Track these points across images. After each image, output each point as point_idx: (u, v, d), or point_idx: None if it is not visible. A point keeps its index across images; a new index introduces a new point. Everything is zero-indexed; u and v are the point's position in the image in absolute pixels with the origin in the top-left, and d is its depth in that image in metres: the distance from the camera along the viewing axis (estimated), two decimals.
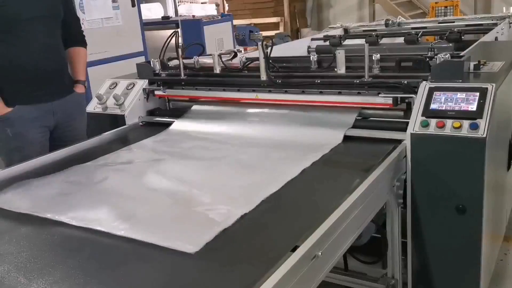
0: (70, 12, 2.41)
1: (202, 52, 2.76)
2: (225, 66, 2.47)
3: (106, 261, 1.22)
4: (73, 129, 2.38)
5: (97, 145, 2.22)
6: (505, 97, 2.02)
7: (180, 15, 7.97)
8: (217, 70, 2.46)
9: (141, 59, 4.54)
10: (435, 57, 1.90)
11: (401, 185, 1.77)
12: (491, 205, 1.86)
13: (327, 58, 2.24)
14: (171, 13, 11.84)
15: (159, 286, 1.10)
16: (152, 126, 2.44)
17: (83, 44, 2.52)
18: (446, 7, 6.70)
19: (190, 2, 13.82)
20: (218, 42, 5.22)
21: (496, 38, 3.46)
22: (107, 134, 2.32)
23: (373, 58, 2.03)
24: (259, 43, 2.19)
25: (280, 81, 2.18)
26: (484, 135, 1.66)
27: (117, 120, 2.47)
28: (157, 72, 2.61)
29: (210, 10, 12.65)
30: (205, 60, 2.66)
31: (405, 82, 1.90)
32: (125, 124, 2.45)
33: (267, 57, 2.19)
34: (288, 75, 2.21)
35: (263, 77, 2.22)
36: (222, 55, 2.55)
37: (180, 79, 2.50)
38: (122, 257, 1.23)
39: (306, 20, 9.56)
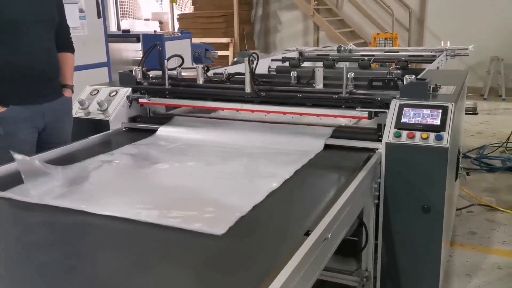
0: (63, 18, 2.49)
1: (182, 64, 2.90)
2: (209, 78, 2.64)
3: (139, 245, 1.34)
4: (60, 131, 2.43)
5: (87, 147, 2.29)
6: (457, 115, 2.35)
7: (123, 30, 7.82)
8: (200, 81, 2.63)
9: (104, 70, 4.59)
10: (404, 78, 2.20)
11: (377, 188, 2.02)
12: (447, 208, 2.16)
13: (305, 75, 2.49)
14: (113, 27, 11.76)
15: (197, 264, 1.24)
16: (135, 132, 2.54)
17: (72, 50, 2.59)
18: (386, 38, 7.33)
19: (133, 18, 13.80)
20: (178, 58, 5.35)
21: (437, 68, 3.89)
22: (95, 137, 2.39)
23: (348, 76, 2.29)
24: (245, 58, 2.39)
25: (263, 94, 2.38)
26: (447, 145, 1.95)
27: (101, 125, 2.55)
28: (139, 80, 2.73)
29: (154, 26, 12.71)
30: (185, 74, 2.82)
31: (379, 98, 2.18)
32: (109, 129, 2.54)
33: (252, 71, 2.39)
34: (271, 89, 2.42)
35: (248, 89, 2.41)
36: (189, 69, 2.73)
37: (164, 89, 2.63)
38: (153, 242, 1.36)
39: (254, 43, 9.91)
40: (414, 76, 2.23)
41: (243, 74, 2.42)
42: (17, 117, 2.23)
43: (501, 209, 3.60)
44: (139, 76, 2.74)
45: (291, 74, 2.49)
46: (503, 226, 3.36)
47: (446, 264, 2.53)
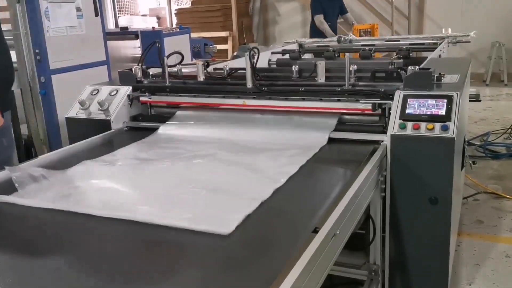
0: None
1: (182, 61, 2.87)
2: (209, 74, 2.61)
3: (146, 245, 1.33)
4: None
5: (88, 147, 2.27)
6: (462, 104, 2.32)
7: (121, 27, 7.76)
8: (201, 78, 2.60)
9: (104, 68, 4.54)
10: (408, 68, 2.16)
11: (384, 181, 2.00)
12: (454, 198, 2.14)
13: (306, 69, 2.46)
14: (111, 25, 11.70)
15: (205, 263, 1.23)
16: (137, 131, 2.52)
17: None
18: (365, 29, 7.24)
19: (130, 14, 13.74)
20: (178, 55, 5.31)
21: (440, 56, 3.85)
22: (97, 138, 2.38)
23: (351, 69, 2.26)
24: (246, 53, 2.37)
25: (265, 88, 2.36)
26: (454, 135, 1.93)
27: (103, 125, 2.53)
28: (139, 79, 2.70)
29: (152, 22, 12.65)
30: (185, 70, 2.80)
31: (382, 90, 2.15)
32: (110, 129, 2.51)
33: (253, 66, 2.36)
34: (272, 83, 2.40)
35: (249, 84, 2.38)
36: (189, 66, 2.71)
37: (165, 86, 2.61)
38: (159, 243, 1.34)
39: (253, 35, 9.85)
40: (417, 67, 2.19)
41: (244, 69, 2.40)
42: (9, 124, 2.23)
43: (507, 196, 3.58)
44: (139, 74, 2.72)
45: (293, 68, 2.46)
46: (510, 214, 3.33)
47: (454, 254, 2.51)
